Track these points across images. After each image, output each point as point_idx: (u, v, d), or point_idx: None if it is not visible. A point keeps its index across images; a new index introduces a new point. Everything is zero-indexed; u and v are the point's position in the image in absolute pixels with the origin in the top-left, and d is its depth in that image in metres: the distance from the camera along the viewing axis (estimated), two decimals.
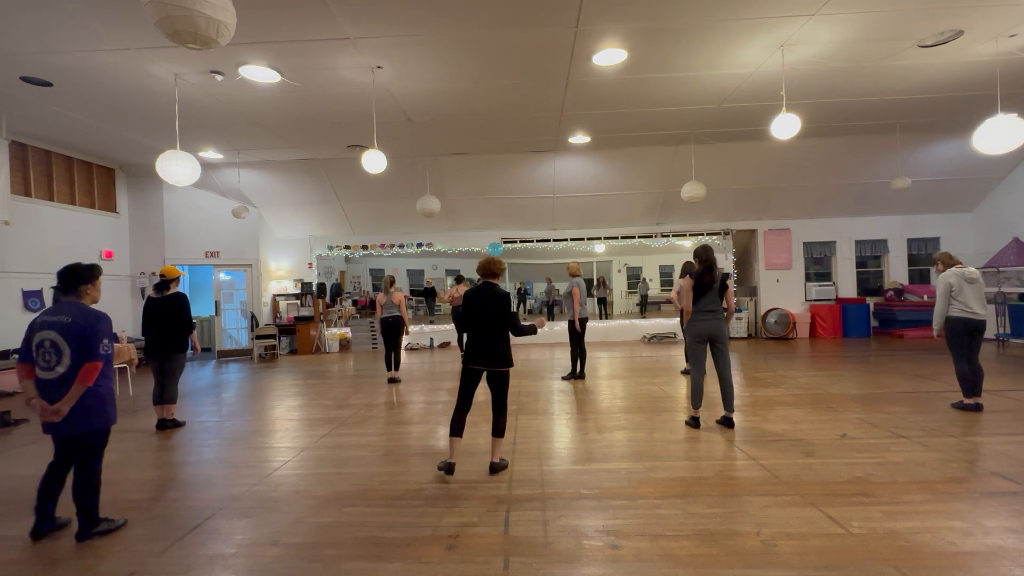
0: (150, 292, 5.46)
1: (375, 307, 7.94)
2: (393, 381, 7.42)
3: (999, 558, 2.43)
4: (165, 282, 5.46)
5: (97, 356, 2.84)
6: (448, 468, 3.64)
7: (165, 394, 5.31)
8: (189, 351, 5.72)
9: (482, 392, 4.00)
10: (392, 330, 7.47)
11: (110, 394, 3.00)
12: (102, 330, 2.90)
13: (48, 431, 2.88)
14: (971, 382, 4.98)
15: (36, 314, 3.32)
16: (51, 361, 2.82)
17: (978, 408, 4.92)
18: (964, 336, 4.99)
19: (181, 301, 5.43)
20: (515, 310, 3.95)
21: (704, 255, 4.70)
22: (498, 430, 3.78)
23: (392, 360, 7.50)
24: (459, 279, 10.49)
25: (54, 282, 3.01)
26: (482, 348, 3.72)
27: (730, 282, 4.76)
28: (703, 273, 4.63)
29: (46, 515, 2.95)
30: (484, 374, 3.80)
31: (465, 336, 3.94)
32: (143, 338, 5.51)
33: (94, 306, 3.04)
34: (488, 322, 3.73)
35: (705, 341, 4.69)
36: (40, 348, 2.84)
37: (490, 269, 3.87)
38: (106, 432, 3.00)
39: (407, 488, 3.50)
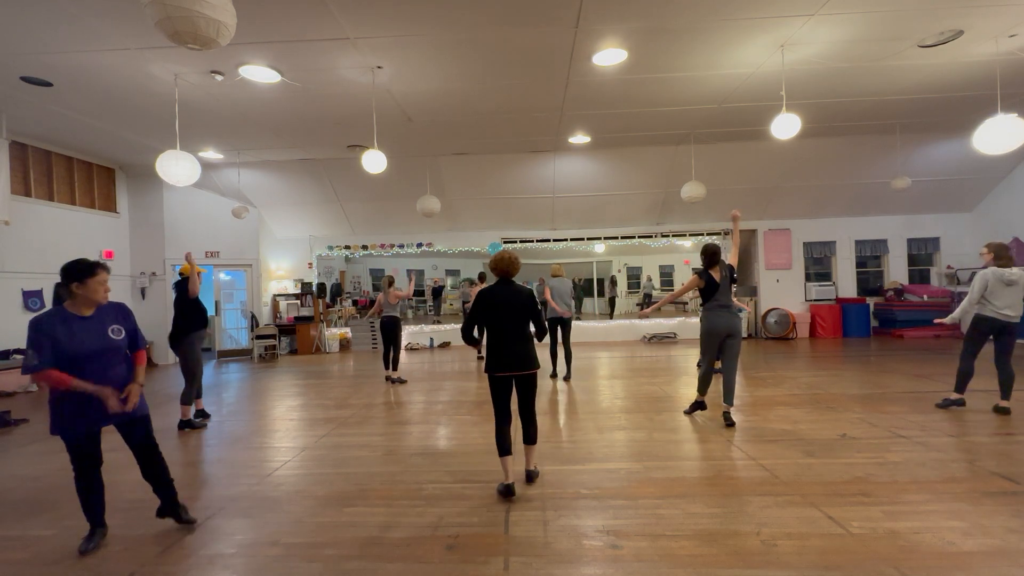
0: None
1: (374, 305, 7.94)
2: (393, 380, 7.44)
3: (999, 558, 2.43)
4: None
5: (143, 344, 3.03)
6: (508, 490, 3.24)
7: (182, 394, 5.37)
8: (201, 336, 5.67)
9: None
10: (387, 330, 7.52)
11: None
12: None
13: (110, 422, 2.78)
14: (968, 379, 4.99)
15: (35, 314, 3.31)
16: None
17: (1000, 409, 4.92)
18: (987, 336, 4.95)
19: (175, 296, 5.46)
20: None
21: (706, 251, 4.92)
22: (531, 437, 3.55)
23: (390, 359, 7.55)
24: (483, 277, 9.88)
25: (56, 280, 2.98)
26: (514, 352, 3.38)
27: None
28: (706, 269, 4.88)
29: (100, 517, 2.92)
30: (512, 380, 3.44)
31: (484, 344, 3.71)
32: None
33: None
34: (517, 323, 3.40)
35: (720, 336, 5.00)
36: None
37: (508, 270, 3.47)
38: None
39: (407, 488, 3.50)
